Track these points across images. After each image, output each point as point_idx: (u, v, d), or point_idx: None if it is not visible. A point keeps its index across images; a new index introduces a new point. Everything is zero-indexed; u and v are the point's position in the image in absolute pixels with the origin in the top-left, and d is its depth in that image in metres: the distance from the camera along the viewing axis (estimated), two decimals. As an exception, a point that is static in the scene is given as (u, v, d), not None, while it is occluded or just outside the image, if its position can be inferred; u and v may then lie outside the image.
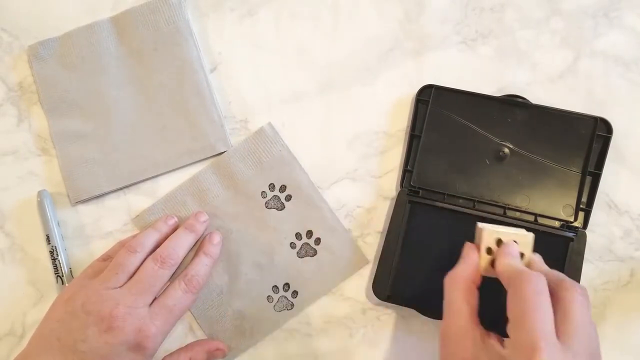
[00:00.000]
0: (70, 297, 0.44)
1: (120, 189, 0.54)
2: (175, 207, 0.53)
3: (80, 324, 0.42)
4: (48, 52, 0.54)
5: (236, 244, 0.52)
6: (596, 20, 0.54)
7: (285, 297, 0.52)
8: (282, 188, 0.53)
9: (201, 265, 0.49)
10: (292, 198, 0.53)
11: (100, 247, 0.53)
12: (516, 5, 0.54)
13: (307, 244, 0.52)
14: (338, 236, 0.52)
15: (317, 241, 0.52)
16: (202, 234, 0.51)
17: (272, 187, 0.53)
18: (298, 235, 0.52)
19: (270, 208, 0.53)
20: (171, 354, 0.48)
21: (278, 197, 0.53)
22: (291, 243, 0.52)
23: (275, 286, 0.52)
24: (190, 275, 0.47)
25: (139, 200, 0.54)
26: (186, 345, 0.49)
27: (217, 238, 0.51)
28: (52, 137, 0.54)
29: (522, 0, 0.55)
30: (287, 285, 0.52)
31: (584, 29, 0.54)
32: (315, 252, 0.52)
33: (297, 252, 0.52)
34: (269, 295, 0.52)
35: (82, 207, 0.54)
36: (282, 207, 0.53)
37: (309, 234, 0.52)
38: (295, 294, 0.52)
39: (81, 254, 0.53)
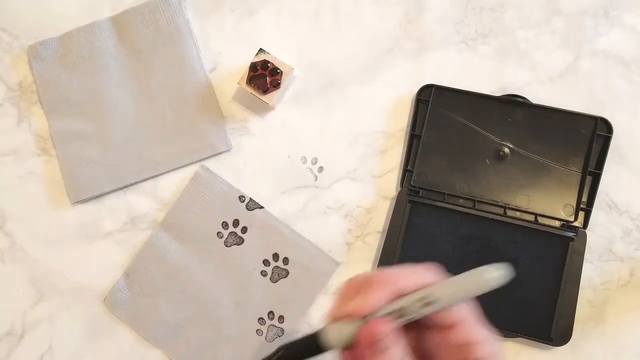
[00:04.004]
0: None
1: (120, 188, 0.54)
2: (141, 277, 0.52)
3: None
4: (48, 52, 0.54)
5: (208, 290, 0.52)
6: (596, 20, 0.54)
7: (274, 325, 0.51)
8: (235, 222, 0.53)
9: None
10: (248, 229, 0.52)
11: (100, 247, 0.53)
12: (516, 5, 0.54)
13: (277, 267, 0.52)
14: (303, 249, 0.52)
15: (286, 261, 0.52)
16: None
17: (225, 225, 0.53)
18: (266, 262, 0.52)
19: (230, 245, 0.52)
20: None
21: (235, 233, 0.53)
22: (262, 271, 0.52)
23: (261, 317, 0.52)
24: None
25: (139, 200, 0.54)
26: None
27: None
28: (52, 137, 0.54)
29: (522, 0, 0.55)
30: (271, 314, 0.52)
31: (584, 28, 0.54)
32: (287, 273, 0.52)
33: (270, 278, 0.52)
34: (258, 329, 0.51)
35: (82, 207, 0.54)
36: (242, 241, 0.52)
37: (276, 256, 0.52)
38: (281, 319, 0.51)
39: (80, 254, 0.53)
